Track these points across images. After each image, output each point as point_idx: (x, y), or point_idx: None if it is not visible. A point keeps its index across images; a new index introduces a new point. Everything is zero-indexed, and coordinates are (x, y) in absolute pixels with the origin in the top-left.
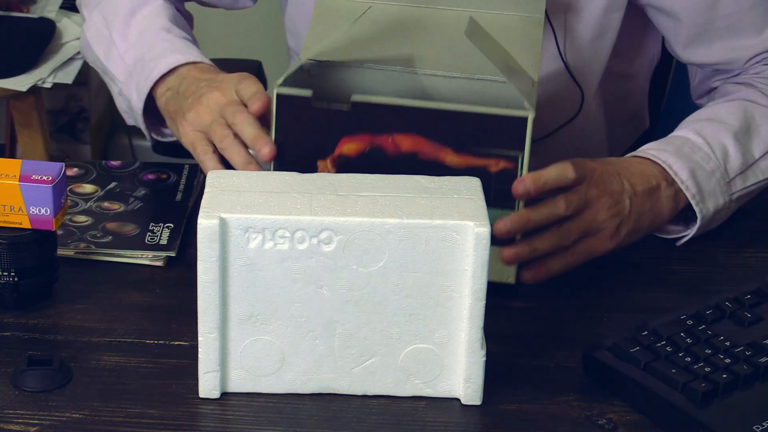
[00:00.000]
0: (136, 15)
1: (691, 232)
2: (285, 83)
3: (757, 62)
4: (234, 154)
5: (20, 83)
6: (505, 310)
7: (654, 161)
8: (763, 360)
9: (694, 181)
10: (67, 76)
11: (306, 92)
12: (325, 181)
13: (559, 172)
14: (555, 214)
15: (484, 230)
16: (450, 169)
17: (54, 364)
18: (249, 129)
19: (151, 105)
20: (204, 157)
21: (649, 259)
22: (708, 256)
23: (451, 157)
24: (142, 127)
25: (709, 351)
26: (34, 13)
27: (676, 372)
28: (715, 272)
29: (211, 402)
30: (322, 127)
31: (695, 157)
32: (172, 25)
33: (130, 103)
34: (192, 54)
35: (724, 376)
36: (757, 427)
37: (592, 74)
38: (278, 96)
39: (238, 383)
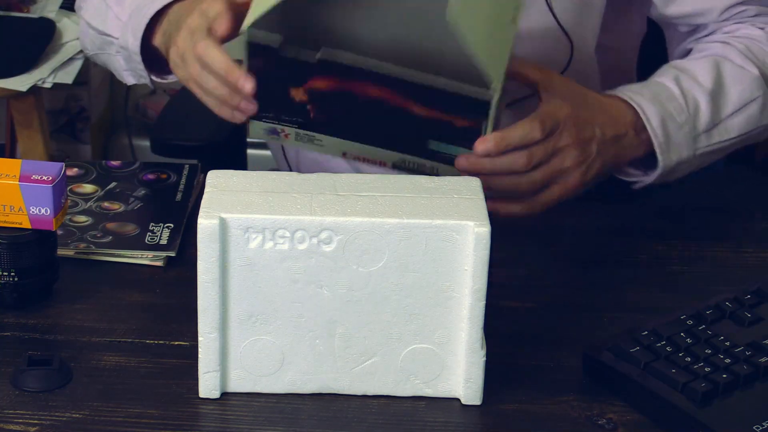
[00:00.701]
0: None
1: (650, 179)
2: (255, 25)
3: (730, 16)
4: (210, 85)
5: (20, 83)
6: (505, 310)
7: (629, 104)
8: (763, 360)
9: (663, 131)
10: (67, 76)
11: (276, 38)
12: (325, 181)
13: (525, 132)
14: (513, 169)
15: (485, 230)
16: (417, 119)
17: (54, 364)
18: (218, 62)
19: (151, 55)
20: (205, 100)
21: (649, 259)
22: (708, 256)
23: (418, 109)
24: (140, 68)
25: (709, 351)
26: (34, 13)
27: (676, 372)
28: (715, 272)
29: (211, 402)
30: (293, 70)
31: (669, 107)
32: None
33: (128, 52)
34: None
35: (724, 376)
36: (758, 428)
37: (586, 31)
38: (248, 43)
39: (238, 383)
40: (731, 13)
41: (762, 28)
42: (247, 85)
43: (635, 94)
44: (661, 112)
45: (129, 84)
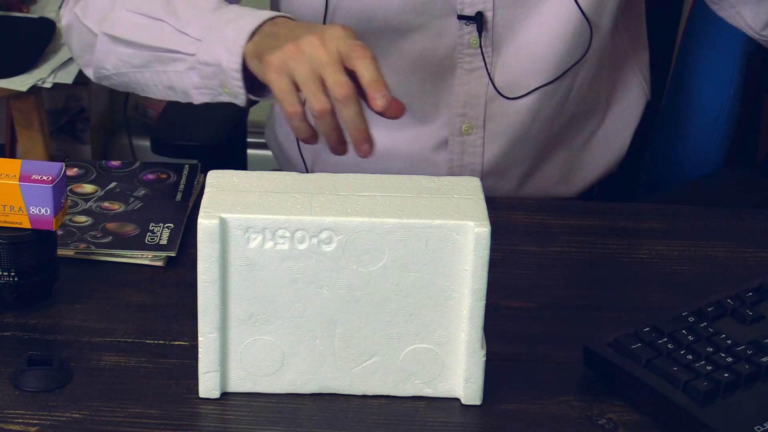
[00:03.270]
0: None
1: None
2: None
3: None
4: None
5: (20, 83)
6: (505, 310)
7: None
8: (764, 359)
9: None
10: (67, 76)
11: None
12: (325, 181)
13: None
14: None
15: (485, 230)
16: None
17: (54, 364)
18: (369, 71)
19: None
20: (292, 116)
21: (649, 259)
22: (708, 256)
23: None
24: (236, 84)
25: (711, 349)
26: (34, 13)
27: (677, 370)
28: (715, 272)
29: (211, 402)
30: None
31: None
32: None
33: (218, 66)
34: (278, 12)
35: (726, 375)
36: (759, 428)
37: (604, 16)
38: None
39: (238, 383)
40: None
41: None
42: (382, 102)
43: None
44: None
45: (197, 102)
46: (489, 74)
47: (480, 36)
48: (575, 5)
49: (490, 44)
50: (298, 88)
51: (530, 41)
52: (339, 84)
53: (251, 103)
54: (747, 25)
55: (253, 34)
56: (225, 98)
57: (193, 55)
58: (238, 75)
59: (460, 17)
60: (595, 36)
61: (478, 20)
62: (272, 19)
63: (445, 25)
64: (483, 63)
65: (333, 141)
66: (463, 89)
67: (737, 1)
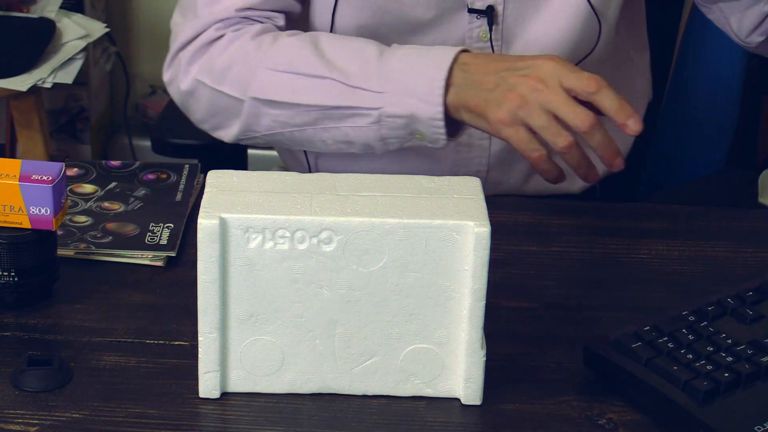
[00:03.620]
0: (321, 47)
1: None
2: None
3: None
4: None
5: (20, 83)
6: (505, 310)
7: None
8: (764, 359)
9: None
10: (67, 76)
11: None
12: (325, 181)
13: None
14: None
15: (484, 230)
16: None
17: (54, 364)
18: (612, 101)
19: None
20: (539, 161)
21: (649, 259)
22: (708, 256)
23: None
24: (439, 132)
25: (711, 348)
26: (34, 13)
27: (678, 369)
28: (715, 272)
29: (211, 402)
30: None
31: None
32: (366, 39)
33: (410, 116)
34: (454, 48)
35: (726, 374)
36: (759, 428)
37: (610, 10)
38: None
39: (238, 383)
40: None
41: None
42: (636, 126)
43: None
44: None
45: (379, 153)
46: None
47: (490, 29)
48: (585, 1)
49: (500, 38)
50: (532, 131)
51: (539, 35)
52: (581, 118)
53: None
54: (732, 31)
55: (448, 78)
56: (414, 143)
57: (377, 108)
58: (441, 124)
59: (471, 11)
60: (603, 30)
61: (489, 14)
62: (455, 60)
63: (456, 19)
64: None
65: (583, 170)
66: None
67: (726, 6)
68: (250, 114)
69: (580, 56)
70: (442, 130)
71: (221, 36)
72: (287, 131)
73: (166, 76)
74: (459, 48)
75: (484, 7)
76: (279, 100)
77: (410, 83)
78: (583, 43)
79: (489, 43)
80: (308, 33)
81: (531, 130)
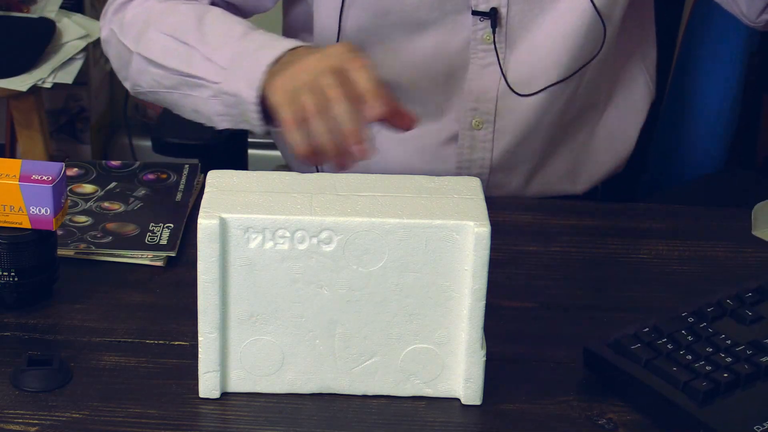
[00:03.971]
0: (206, 19)
1: None
2: None
3: None
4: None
5: (20, 83)
6: (505, 310)
7: None
8: (764, 360)
9: None
10: (67, 76)
11: None
12: (325, 181)
13: None
14: None
15: (485, 230)
16: None
17: (54, 364)
18: (364, 80)
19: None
20: (291, 131)
21: (649, 259)
22: (708, 256)
23: None
24: (254, 116)
25: (711, 349)
26: (34, 13)
27: (677, 370)
28: (715, 272)
29: (211, 402)
30: None
31: None
32: (253, 24)
33: (237, 97)
34: (299, 42)
35: (725, 375)
36: (758, 428)
37: (615, 12)
38: None
39: (238, 383)
40: None
41: None
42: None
43: None
44: None
45: (219, 128)
46: (502, 70)
47: (494, 32)
48: (590, 4)
49: (504, 40)
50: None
51: (544, 38)
52: (329, 86)
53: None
54: (741, 12)
55: (274, 65)
56: (245, 126)
57: (217, 83)
58: (255, 108)
59: (475, 13)
60: (608, 33)
61: (493, 16)
62: (292, 49)
63: (459, 21)
64: (496, 59)
65: (330, 151)
66: (475, 84)
67: None
68: (136, 69)
69: (585, 59)
70: (257, 116)
71: None
72: (161, 92)
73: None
74: (300, 43)
75: (487, 10)
76: (154, 60)
77: (245, 64)
78: (588, 46)
79: (493, 46)
80: (205, 5)
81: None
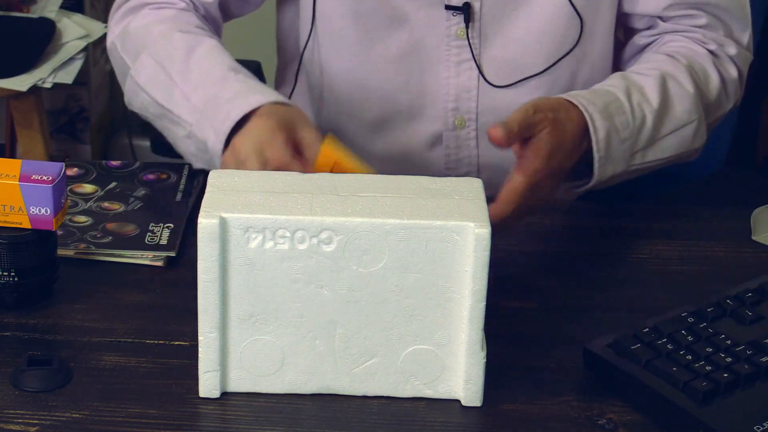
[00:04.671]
0: (194, 53)
1: (580, 189)
2: None
3: (677, 16)
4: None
5: (20, 83)
6: (505, 310)
7: (580, 111)
8: (764, 359)
9: (606, 144)
10: (67, 76)
11: None
12: (325, 181)
13: (515, 187)
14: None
15: (485, 231)
16: None
17: (54, 364)
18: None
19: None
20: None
21: (649, 259)
22: (708, 256)
23: None
24: (218, 163)
25: (710, 349)
26: (34, 13)
27: (677, 370)
28: (715, 272)
29: (211, 402)
30: None
31: (616, 121)
32: (237, 65)
33: (205, 145)
34: (272, 94)
35: (725, 375)
36: (758, 428)
37: (600, 10)
38: None
39: (238, 383)
40: (677, 11)
41: (705, 45)
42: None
43: (589, 103)
44: (608, 125)
45: (195, 167)
46: (477, 65)
47: (467, 27)
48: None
49: (478, 36)
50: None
51: (519, 33)
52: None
53: None
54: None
55: (241, 121)
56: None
57: (191, 125)
58: (219, 160)
59: (448, 7)
60: (591, 32)
61: (466, 11)
62: (259, 108)
63: (435, 15)
64: (471, 54)
65: None
66: (453, 82)
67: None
68: (129, 89)
69: (561, 53)
70: (219, 162)
71: (145, 5)
72: (149, 117)
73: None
74: (275, 99)
75: (460, 4)
76: (142, 86)
77: (215, 114)
78: (565, 41)
79: (467, 41)
80: (201, 36)
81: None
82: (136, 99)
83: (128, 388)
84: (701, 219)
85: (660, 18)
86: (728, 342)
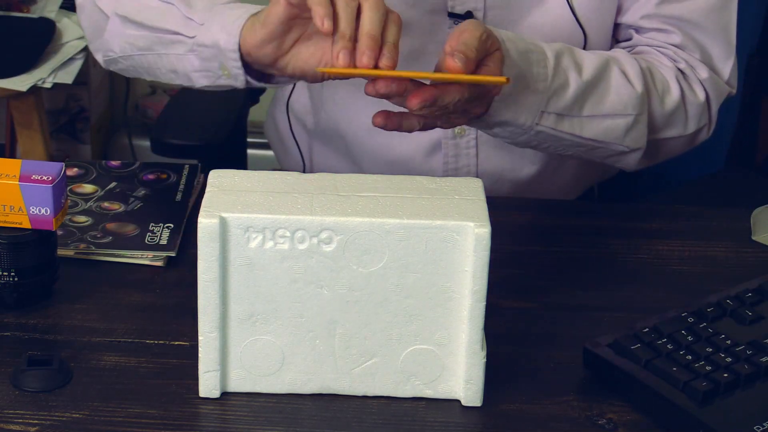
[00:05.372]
0: None
1: (474, 123)
2: None
3: (652, 29)
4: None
5: (20, 83)
6: (505, 310)
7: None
8: (764, 359)
9: (513, 86)
10: (67, 76)
11: None
12: (326, 181)
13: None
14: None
15: (485, 231)
16: None
17: (54, 364)
18: (369, 19)
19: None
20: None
21: (649, 259)
22: (708, 256)
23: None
24: (234, 65)
25: (710, 349)
26: (34, 13)
27: (677, 370)
28: (715, 272)
29: (211, 402)
30: None
31: (533, 70)
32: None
33: (215, 46)
34: None
35: (725, 375)
36: (758, 428)
37: (603, 18)
38: None
39: (238, 383)
40: (653, 24)
41: (675, 62)
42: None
43: (509, 40)
44: (521, 70)
45: (198, 86)
46: None
47: None
48: (569, 11)
49: None
50: None
51: None
52: None
53: (253, 91)
54: None
55: (256, 15)
56: (224, 81)
57: (192, 37)
58: (236, 55)
59: (451, 15)
60: (593, 44)
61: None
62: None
63: (437, 23)
64: None
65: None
66: None
67: None
68: (110, 31)
69: None
70: (238, 63)
71: None
72: (135, 55)
73: None
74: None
75: (463, 12)
76: (129, 17)
77: (223, 17)
78: None
79: None
80: None
81: None
82: (117, 40)
83: (128, 388)
84: (701, 219)
85: (635, 30)
86: (728, 342)
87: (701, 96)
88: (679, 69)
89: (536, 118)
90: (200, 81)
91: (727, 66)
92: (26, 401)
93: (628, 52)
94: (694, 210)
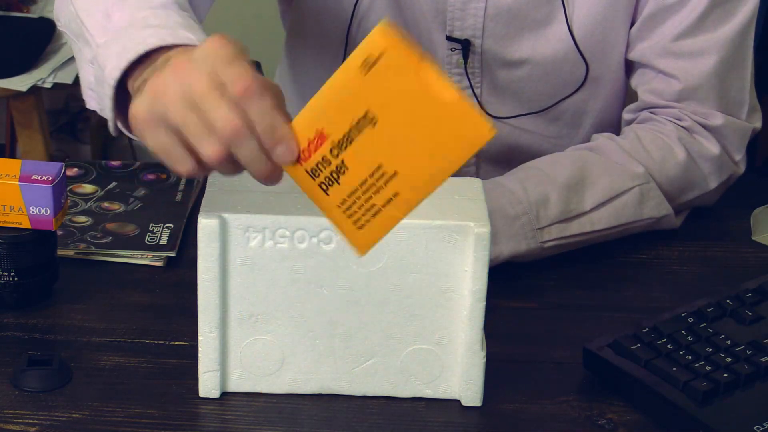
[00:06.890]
0: None
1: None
2: None
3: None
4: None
5: (20, 83)
6: (505, 310)
7: None
8: (764, 360)
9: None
10: (67, 76)
11: None
12: None
13: None
14: None
15: (485, 231)
16: None
17: (54, 364)
18: (261, 115)
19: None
20: (178, 165)
21: (649, 259)
22: (708, 256)
23: None
24: (108, 104)
25: (710, 349)
26: (34, 13)
27: (677, 370)
28: (715, 272)
29: (211, 402)
30: None
31: (502, 201)
32: (187, 4)
33: (103, 71)
34: (194, 36)
35: (725, 375)
36: (758, 428)
37: (608, 49)
38: None
39: (238, 383)
40: (660, 64)
41: (679, 122)
42: (286, 157)
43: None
44: (489, 203)
45: (88, 107)
46: (476, 96)
47: (465, 61)
48: (572, 42)
49: (479, 66)
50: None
51: (521, 72)
52: (221, 120)
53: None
54: None
55: (153, 52)
56: (105, 115)
57: (98, 45)
58: (110, 90)
59: (449, 39)
60: (598, 75)
61: (465, 47)
62: (178, 46)
63: (435, 42)
64: (469, 83)
65: (256, 170)
66: None
67: None
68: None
69: (565, 93)
70: (110, 103)
71: None
72: (70, 36)
73: None
74: (196, 41)
75: (462, 38)
76: (72, 3)
77: (126, 39)
78: (569, 81)
79: (464, 71)
80: None
81: (177, 132)
82: (64, 9)
83: (128, 388)
84: (701, 219)
85: (643, 67)
86: (728, 342)
87: (714, 149)
88: (683, 128)
89: (537, 237)
90: (90, 102)
91: (743, 108)
92: (26, 401)
93: (636, 114)
94: (694, 210)
